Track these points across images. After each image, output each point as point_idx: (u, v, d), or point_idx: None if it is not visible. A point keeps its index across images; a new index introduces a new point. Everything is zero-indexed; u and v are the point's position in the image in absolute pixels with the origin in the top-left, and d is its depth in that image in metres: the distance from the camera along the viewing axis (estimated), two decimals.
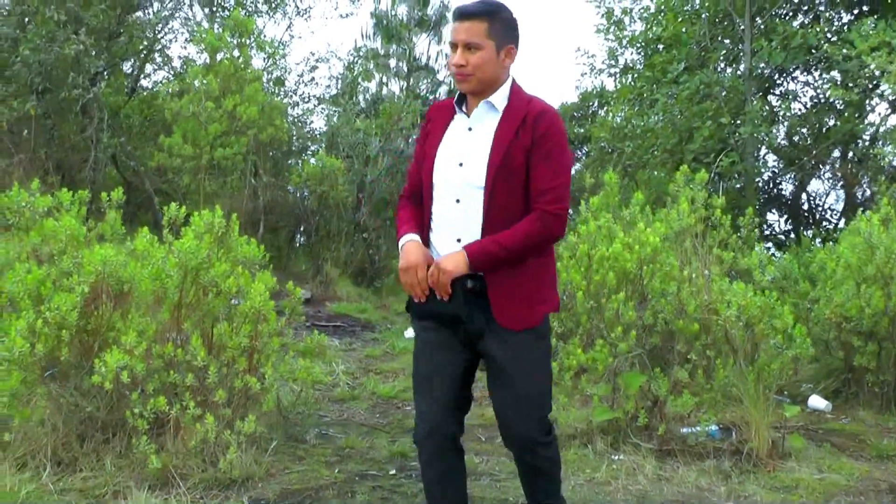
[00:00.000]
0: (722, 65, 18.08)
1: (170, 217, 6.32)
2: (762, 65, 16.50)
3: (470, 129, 4.10)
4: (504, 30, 4.03)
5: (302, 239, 15.31)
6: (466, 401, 4.25)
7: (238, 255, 6.26)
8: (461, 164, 4.03)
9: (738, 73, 17.04)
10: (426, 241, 4.13)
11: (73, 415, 5.70)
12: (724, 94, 16.26)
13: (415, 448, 6.41)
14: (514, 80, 4.14)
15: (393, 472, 6.10)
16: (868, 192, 17.06)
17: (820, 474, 6.29)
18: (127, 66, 17.44)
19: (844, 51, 13.91)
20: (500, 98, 4.08)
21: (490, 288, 4.00)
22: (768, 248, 14.54)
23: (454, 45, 4.02)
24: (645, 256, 6.87)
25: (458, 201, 4.03)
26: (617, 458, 6.40)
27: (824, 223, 18.14)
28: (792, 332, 6.83)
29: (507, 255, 3.93)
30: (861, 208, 16.48)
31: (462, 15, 3.98)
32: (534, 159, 3.98)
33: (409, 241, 4.06)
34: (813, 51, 15.89)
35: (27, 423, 5.73)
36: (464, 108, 4.16)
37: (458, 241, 4.00)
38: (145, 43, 16.80)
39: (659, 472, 6.16)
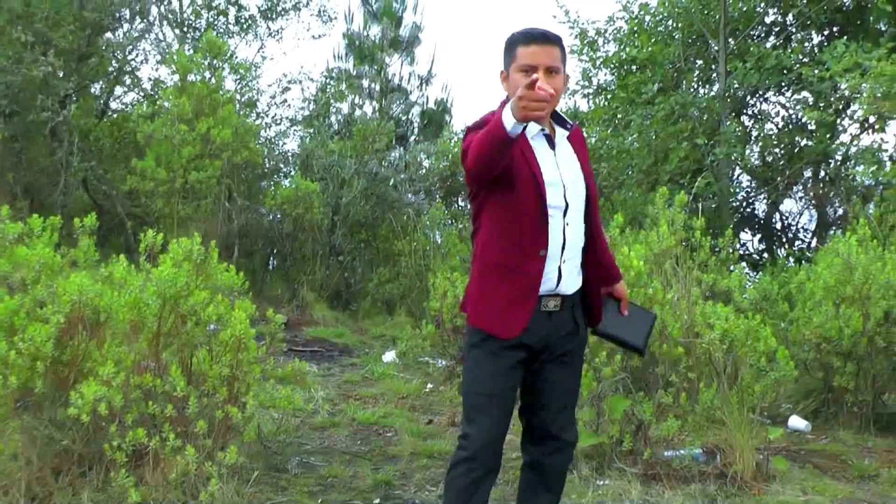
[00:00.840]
0: (695, 86, 18.11)
1: (147, 244, 6.20)
2: (736, 85, 16.52)
3: (556, 152, 4.16)
4: (566, 58, 4.12)
5: (276, 262, 15.22)
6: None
7: (217, 282, 6.15)
8: (566, 187, 4.11)
9: (712, 93, 17.06)
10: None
11: (48, 448, 5.58)
12: (699, 114, 16.27)
13: (399, 476, 6.34)
14: None
15: (377, 501, 6.02)
16: (840, 212, 17.11)
17: (804, 496, 6.30)
18: (96, 88, 17.32)
19: (816, 72, 13.90)
20: (563, 120, 4.26)
21: (593, 294, 4.33)
22: (742, 268, 14.52)
23: (531, 68, 3.96)
24: (629, 280, 6.81)
25: (567, 225, 4.13)
26: (602, 483, 6.36)
27: (797, 242, 18.18)
28: (775, 354, 6.81)
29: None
30: (833, 227, 16.61)
31: (544, 38, 4.00)
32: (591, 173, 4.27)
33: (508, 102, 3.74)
34: (785, 72, 15.92)
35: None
36: (544, 129, 4.18)
37: (564, 261, 4.12)
38: (115, 64, 16.67)
39: (645, 497, 6.14)
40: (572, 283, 4.17)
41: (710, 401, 6.67)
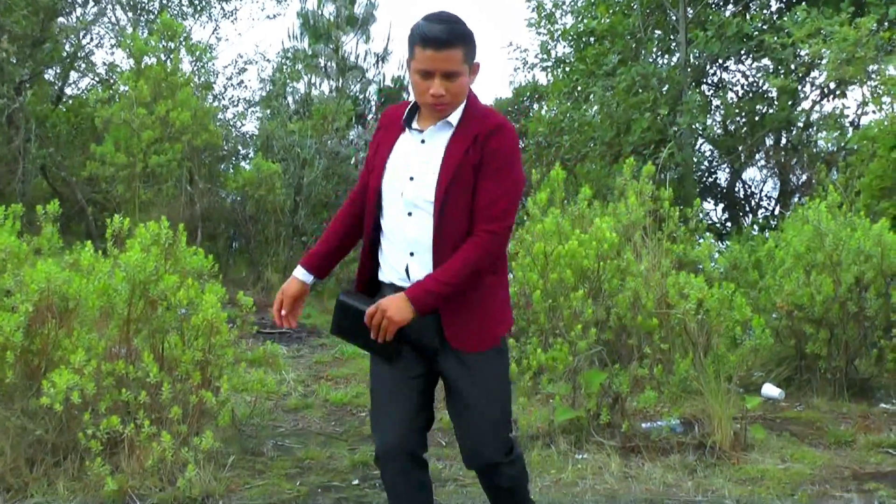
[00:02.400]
0: (656, 56, 18.11)
1: (113, 229, 6.12)
2: (696, 54, 16.56)
3: (423, 141, 3.94)
4: (472, 50, 3.86)
5: (239, 245, 15.11)
6: (428, 420, 4.10)
7: (186, 266, 6.09)
8: (412, 178, 3.88)
9: (673, 63, 17.09)
10: (373, 253, 4.06)
11: (21, 439, 5.50)
12: (659, 85, 16.29)
13: None
14: (470, 91, 3.97)
15: (356, 482, 5.98)
16: (803, 179, 17.20)
17: (784, 464, 6.29)
18: (51, 74, 17.15)
19: (776, 39, 13.95)
20: (456, 114, 3.91)
21: (442, 310, 3.84)
22: (710, 238, 14.57)
23: (428, 74, 3.78)
24: (602, 252, 6.79)
25: (409, 214, 3.88)
26: (581, 457, 6.34)
27: (761, 211, 18.27)
28: (749, 323, 6.81)
29: (451, 290, 3.77)
30: (796, 195, 16.69)
31: (439, 43, 3.73)
32: (481, 176, 3.82)
33: (293, 275, 4.16)
34: (745, 39, 15.95)
35: None
36: (415, 120, 3.99)
37: (412, 254, 3.88)
38: (69, 49, 16.49)
39: (625, 470, 6.12)
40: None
41: (685, 371, 6.67)
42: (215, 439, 5.64)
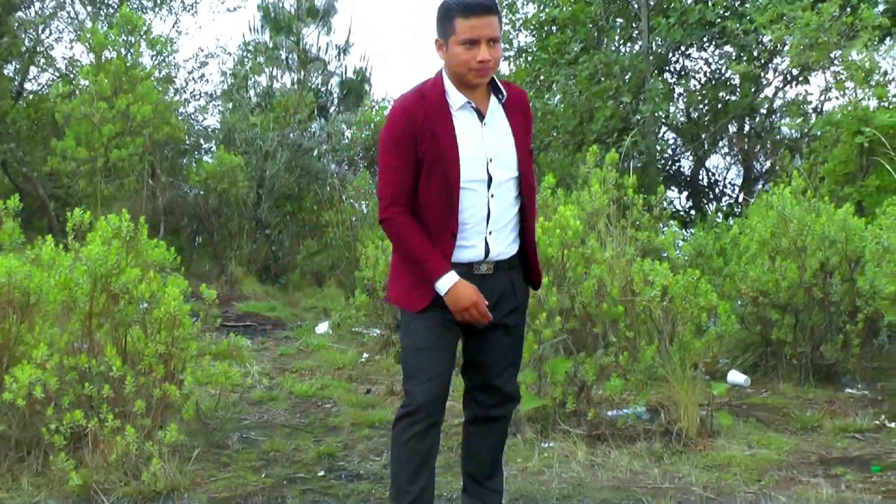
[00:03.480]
0: (618, 44, 18.11)
1: (74, 223, 6.07)
2: (659, 42, 16.58)
3: (485, 123, 4.14)
4: (502, 21, 4.20)
5: (203, 239, 15.05)
6: None
7: (148, 259, 6.05)
8: (491, 160, 4.11)
9: (635, 51, 17.10)
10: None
11: None
12: (622, 73, 16.30)
13: (342, 447, 6.29)
14: None
15: (322, 473, 5.94)
16: (767, 165, 17.28)
17: (750, 450, 6.30)
18: (9, 70, 16.97)
19: (739, 25, 14.00)
20: (498, 88, 4.19)
21: (530, 257, 4.36)
22: (674, 226, 14.60)
23: (473, 42, 3.97)
24: (567, 240, 6.79)
25: (493, 196, 4.13)
26: (547, 445, 6.33)
27: (724, 198, 18.31)
28: (715, 309, 6.83)
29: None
30: (760, 181, 16.75)
31: (483, 9, 3.96)
32: (525, 137, 4.23)
33: (457, 281, 4.13)
34: (708, 26, 15.99)
35: None
36: (471, 102, 4.14)
37: (491, 232, 4.16)
38: (28, 44, 16.34)
39: (591, 458, 6.11)
40: (505, 250, 4.23)
41: (651, 359, 6.68)
42: (180, 432, 5.60)
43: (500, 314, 4.26)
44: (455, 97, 4.10)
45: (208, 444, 6.31)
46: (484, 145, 4.10)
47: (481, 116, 4.14)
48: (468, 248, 4.15)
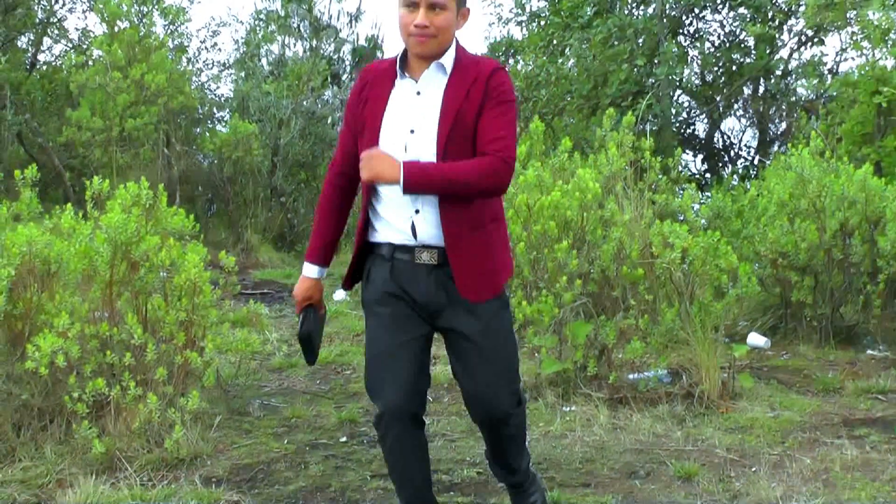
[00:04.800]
0: (631, 7, 17.99)
1: (93, 191, 6.08)
2: (672, 4, 16.47)
3: (419, 93, 3.85)
4: None
5: (218, 207, 15.05)
6: (428, 378, 4.05)
7: (167, 226, 6.05)
8: (412, 131, 3.81)
9: (649, 14, 16.97)
10: (366, 214, 3.98)
11: (7, 403, 5.47)
12: (636, 36, 16.20)
13: (364, 413, 6.28)
14: (457, 41, 3.90)
15: (344, 439, 5.96)
16: (782, 127, 17.17)
17: (773, 412, 6.30)
18: (23, 41, 16.99)
19: None
20: (448, 59, 3.84)
21: (452, 261, 3.80)
22: (691, 188, 14.56)
23: (413, 4, 3.72)
24: (586, 203, 6.76)
25: None
26: (569, 409, 6.34)
27: (740, 161, 18.21)
28: (737, 271, 6.81)
29: (445, 185, 3.73)
30: (776, 143, 16.66)
31: None
32: (486, 111, 3.76)
33: (301, 276, 4.24)
34: None
35: None
36: (407, 72, 3.90)
37: (417, 211, 3.81)
38: (42, 15, 16.35)
39: (613, 421, 6.12)
40: (434, 234, 3.84)
41: (671, 321, 6.67)
42: (201, 400, 5.60)
43: (446, 318, 3.93)
44: (402, 66, 3.90)
45: (230, 412, 6.33)
46: (409, 117, 3.83)
47: (417, 88, 3.88)
48: (391, 228, 3.88)
